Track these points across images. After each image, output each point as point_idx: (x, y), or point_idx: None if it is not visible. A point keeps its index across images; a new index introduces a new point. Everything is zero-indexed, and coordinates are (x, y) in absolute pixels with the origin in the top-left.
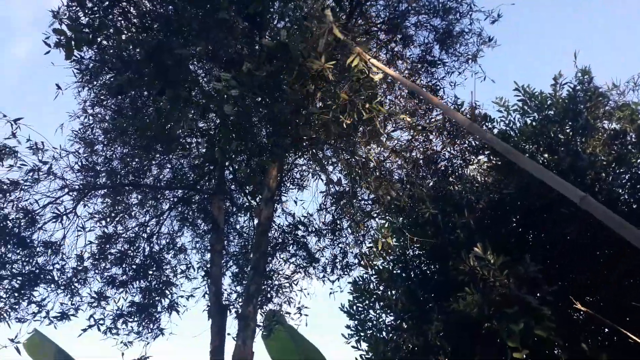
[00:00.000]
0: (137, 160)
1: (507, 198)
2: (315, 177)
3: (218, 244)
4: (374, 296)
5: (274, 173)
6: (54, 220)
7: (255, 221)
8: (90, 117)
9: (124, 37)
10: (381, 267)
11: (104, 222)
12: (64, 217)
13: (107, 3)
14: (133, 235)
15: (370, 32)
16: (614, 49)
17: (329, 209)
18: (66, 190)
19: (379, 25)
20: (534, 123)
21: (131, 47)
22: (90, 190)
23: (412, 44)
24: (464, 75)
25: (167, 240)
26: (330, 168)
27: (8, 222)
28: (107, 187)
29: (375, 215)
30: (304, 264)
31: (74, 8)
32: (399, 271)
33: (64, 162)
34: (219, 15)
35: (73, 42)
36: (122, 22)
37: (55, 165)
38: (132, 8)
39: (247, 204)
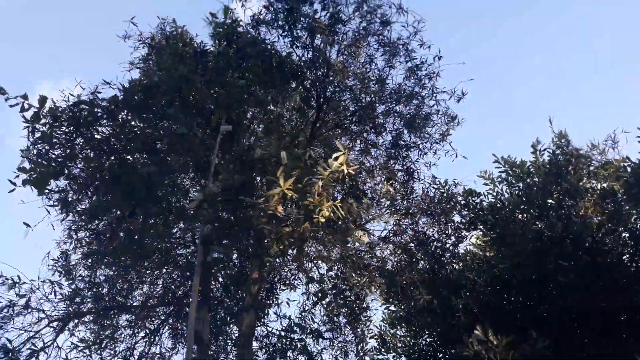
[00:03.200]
0: (121, 281)
1: (504, 273)
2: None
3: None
4: None
5: (255, 277)
6: (31, 356)
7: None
8: (71, 243)
9: (90, 164)
10: None
11: (87, 351)
12: (43, 352)
13: (71, 135)
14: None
15: (341, 125)
16: (585, 110)
17: (312, 309)
18: (46, 322)
19: (349, 118)
20: (519, 193)
21: (97, 174)
22: (72, 318)
23: (383, 131)
24: (438, 155)
25: None
26: (319, 264)
27: None
28: (91, 313)
29: (369, 308)
30: None
31: (40, 145)
32: None
33: (41, 292)
34: (179, 130)
35: (40, 177)
36: (88, 150)
37: (33, 297)
38: (96, 134)
39: (230, 312)
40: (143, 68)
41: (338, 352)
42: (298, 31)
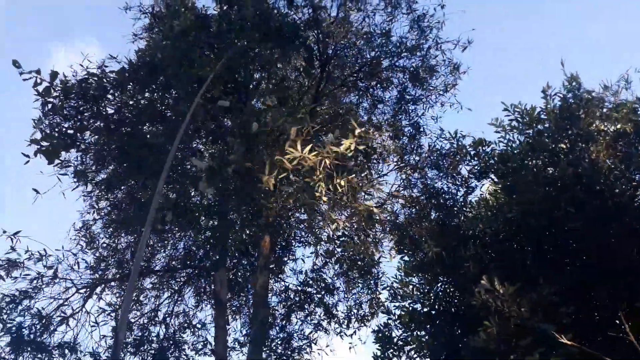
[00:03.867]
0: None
1: (513, 221)
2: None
3: (221, 320)
4: (400, 342)
5: (267, 240)
6: (63, 321)
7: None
8: (92, 213)
9: (100, 136)
10: (403, 311)
11: (114, 314)
12: (74, 317)
13: (82, 107)
14: (147, 320)
15: (346, 83)
16: (594, 52)
17: (322, 268)
18: (73, 290)
19: (354, 75)
20: (529, 140)
21: (106, 146)
22: (99, 284)
23: (389, 86)
24: (444, 108)
25: (184, 319)
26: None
27: (23, 329)
28: (116, 279)
29: (380, 262)
30: (321, 321)
31: (52, 116)
32: (426, 309)
33: (66, 263)
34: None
35: (51, 149)
36: (98, 122)
37: (60, 267)
38: (104, 107)
39: (247, 272)
40: (146, 38)
41: (352, 303)
42: None
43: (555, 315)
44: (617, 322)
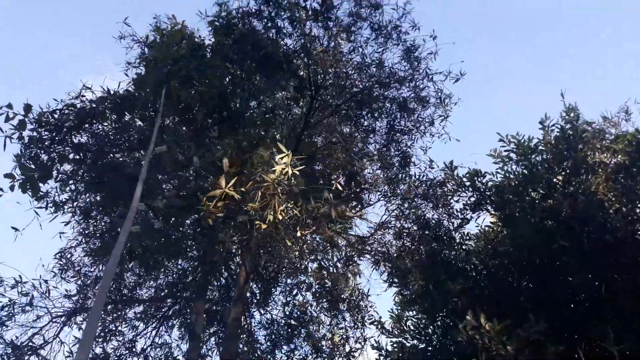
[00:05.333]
0: (128, 275)
1: (506, 255)
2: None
3: (194, 352)
4: None
5: (243, 272)
6: (34, 351)
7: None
8: (74, 240)
9: (75, 166)
10: (394, 347)
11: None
12: (42, 348)
13: (57, 138)
14: (126, 351)
15: (337, 111)
16: (593, 84)
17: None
18: (48, 318)
19: (345, 103)
20: (525, 171)
21: (81, 176)
22: (78, 313)
23: (379, 116)
24: (432, 139)
25: (165, 350)
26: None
27: None
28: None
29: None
30: (307, 356)
31: (31, 149)
32: (422, 345)
33: (41, 290)
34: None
35: (28, 184)
36: (74, 152)
37: (35, 294)
38: (82, 136)
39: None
40: (140, 66)
41: (339, 338)
42: (281, 21)
43: (544, 354)
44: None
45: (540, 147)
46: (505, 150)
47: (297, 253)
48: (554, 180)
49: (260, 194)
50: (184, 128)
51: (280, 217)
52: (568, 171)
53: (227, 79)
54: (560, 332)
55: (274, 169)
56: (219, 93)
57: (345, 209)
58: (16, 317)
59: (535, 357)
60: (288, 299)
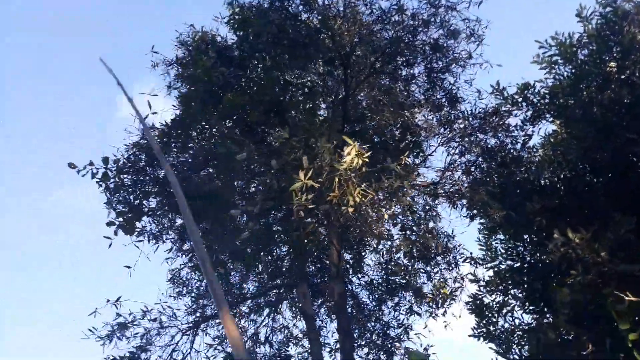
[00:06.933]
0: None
1: (575, 162)
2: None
3: (312, 333)
4: (496, 305)
5: (334, 251)
6: None
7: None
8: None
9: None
10: (491, 276)
11: (221, 347)
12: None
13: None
14: (252, 343)
15: (373, 71)
16: None
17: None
18: (180, 334)
19: (379, 60)
20: (574, 70)
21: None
22: (200, 323)
23: (414, 63)
24: (474, 68)
25: (285, 332)
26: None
27: None
28: (214, 315)
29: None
30: (412, 305)
31: (117, 195)
32: (517, 265)
33: (165, 313)
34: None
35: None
36: (156, 186)
37: (163, 318)
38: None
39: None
40: (179, 88)
41: (437, 282)
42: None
43: (636, 254)
44: None
45: (584, 40)
46: (547, 56)
47: (381, 226)
48: (607, 70)
49: (337, 182)
50: (237, 131)
51: (359, 200)
52: (619, 57)
53: (260, 72)
54: None
55: (344, 160)
56: (257, 88)
57: (415, 177)
58: (154, 342)
59: (628, 258)
60: (382, 259)
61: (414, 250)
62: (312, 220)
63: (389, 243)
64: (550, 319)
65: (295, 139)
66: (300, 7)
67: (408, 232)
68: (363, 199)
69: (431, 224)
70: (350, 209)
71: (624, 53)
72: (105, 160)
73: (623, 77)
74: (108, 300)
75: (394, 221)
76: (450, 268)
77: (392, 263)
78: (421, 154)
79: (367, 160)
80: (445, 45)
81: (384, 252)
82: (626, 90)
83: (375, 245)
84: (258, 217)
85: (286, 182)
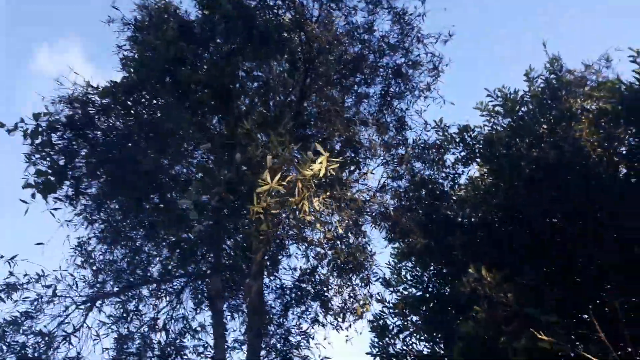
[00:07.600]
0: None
1: (499, 206)
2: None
3: (219, 327)
4: (396, 328)
5: (261, 250)
6: (65, 338)
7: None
8: (86, 228)
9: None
10: (397, 299)
11: (115, 326)
12: (75, 334)
13: (70, 137)
14: (148, 329)
15: (331, 81)
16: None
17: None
18: (73, 307)
19: (339, 72)
20: (512, 123)
21: (97, 172)
22: (98, 299)
23: (372, 83)
24: (426, 102)
25: (184, 323)
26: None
27: (27, 349)
28: (114, 292)
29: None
30: (318, 316)
31: (42, 152)
32: (419, 293)
33: (64, 282)
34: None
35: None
36: (87, 150)
37: (59, 286)
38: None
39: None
40: (131, 50)
41: (346, 297)
42: None
43: (541, 299)
44: (603, 300)
45: (525, 99)
46: (493, 105)
47: (307, 220)
48: (540, 130)
49: (300, 187)
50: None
51: (318, 208)
52: (553, 120)
53: (218, 56)
54: (556, 277)
55: (311, 167)
56: (212, 71)
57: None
58: (44, 309)
59: (533, 302)
60: (296, 265)
61: (339, 261)
62: (267, 220)
63: (318, 249)
64: (443, 350)
65: (272, 138)
66: (278, 1)
67: (339, 242)
68: (323, 207)
69: (354, 240)
70: (308, 217)
71: (556, 118)
72: (36, 115)
73: (552, 140)
74: (1, 256)
75: (328, 229)
76: (363, 285)
77: (308, 270)
78: (358, 170)
79: (333, 172)
80: (406, 72)
81: (309, 258)
82: (553, 152)
83: (302, 250)
84: (214, 210)
85: (246, 178)
